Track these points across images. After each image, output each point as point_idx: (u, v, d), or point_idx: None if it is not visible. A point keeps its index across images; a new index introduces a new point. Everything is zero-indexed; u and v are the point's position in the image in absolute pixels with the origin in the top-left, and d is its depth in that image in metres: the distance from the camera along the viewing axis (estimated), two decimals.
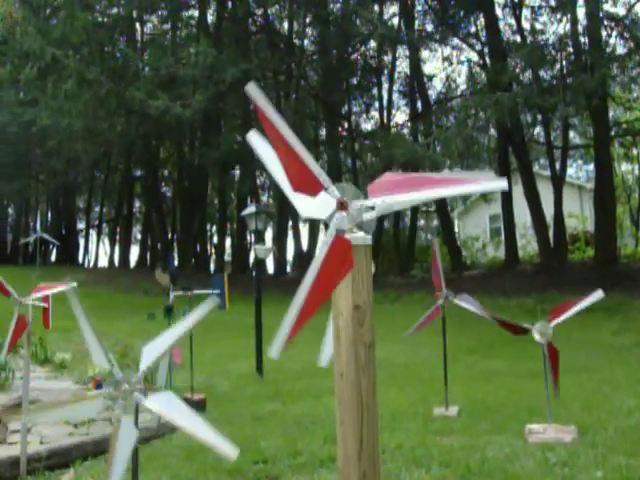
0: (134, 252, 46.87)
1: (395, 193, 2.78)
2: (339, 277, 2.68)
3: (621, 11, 26.96)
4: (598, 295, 7.14)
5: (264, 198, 43.49)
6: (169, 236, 42.80)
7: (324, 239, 2.70)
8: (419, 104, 32.59)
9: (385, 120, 34.71)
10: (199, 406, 9.57)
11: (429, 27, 33.13)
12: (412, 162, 23.65)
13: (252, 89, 2.64)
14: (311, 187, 2.76)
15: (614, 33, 25.79)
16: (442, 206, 31.21)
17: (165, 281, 11.03)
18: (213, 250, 45.34)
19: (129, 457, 3.31)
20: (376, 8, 32.34)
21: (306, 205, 2.94)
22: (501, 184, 2.80)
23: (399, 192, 2.78)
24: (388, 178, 2.96)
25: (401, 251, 32.86)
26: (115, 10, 32.50)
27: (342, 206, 2.72)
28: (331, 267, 2.65)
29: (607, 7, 25.13)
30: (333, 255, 2.65)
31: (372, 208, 2.78)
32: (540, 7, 28.93)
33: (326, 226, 2.73)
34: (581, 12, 25.13)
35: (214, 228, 48.12)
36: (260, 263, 14.15)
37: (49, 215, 54.06)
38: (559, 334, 7.33)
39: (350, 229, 2.70)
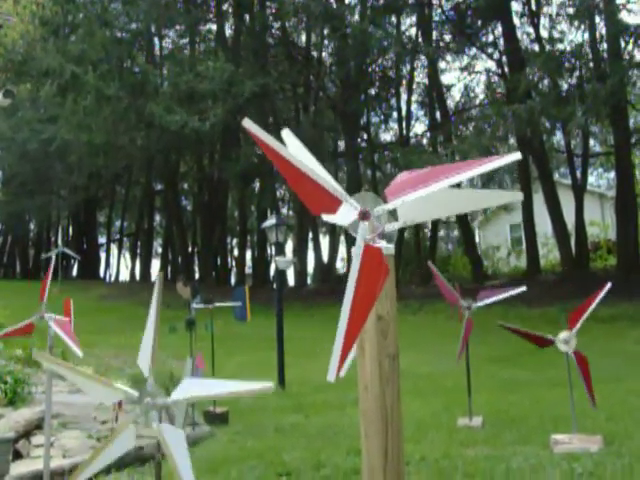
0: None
1: (412, 191, 2.73)
2: (378, 287, 2.60)
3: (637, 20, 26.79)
4: (607, 287, 7.12)
5: (284, 210, 43.45)
6: (190, 249, 42.89)
7: (354, 252, 2.65)
8: (438, 114, 32.51)
9: (404, 131, 34.67)
10: (222, 419, 9.57)
11: (447, 37, 33.12)
12: None
13: (248, 124, 2.62)
14: (329, 205, 2.73)
15: (631, 40, 25.63)
16: (462, 216, 31.08)
17: (186, 294, 11.00)
18: (234, 263, 45.41)
19: (188, 457, 3.32)
20: (394, 19, 32.37)
21: None
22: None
23: (416, 189, 2.73)
24: (403, 178, 2.93)
25: (422, 262, 32.73)
26: (134, 25, 32.70)
27: (364, 216, 2.69)
28: (368, 279, 2.57)
29: (623, 15, 25.00)
30: (367, 266, 2.58)
31: (393, 214, 2.76)
32: (558, 15, 28.84)
33: (346, 235, 2.70)
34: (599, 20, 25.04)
35: (234, 241, 48.24)
36: (281, 275, 14.13)
37: (70, 230, 54.38)
38: (583, 344, 7.26)
39: (372, 239, 2.66)
